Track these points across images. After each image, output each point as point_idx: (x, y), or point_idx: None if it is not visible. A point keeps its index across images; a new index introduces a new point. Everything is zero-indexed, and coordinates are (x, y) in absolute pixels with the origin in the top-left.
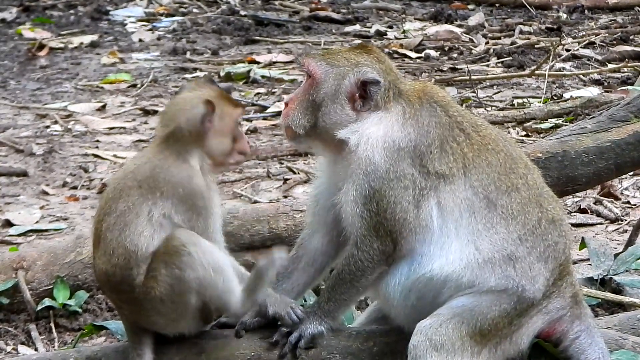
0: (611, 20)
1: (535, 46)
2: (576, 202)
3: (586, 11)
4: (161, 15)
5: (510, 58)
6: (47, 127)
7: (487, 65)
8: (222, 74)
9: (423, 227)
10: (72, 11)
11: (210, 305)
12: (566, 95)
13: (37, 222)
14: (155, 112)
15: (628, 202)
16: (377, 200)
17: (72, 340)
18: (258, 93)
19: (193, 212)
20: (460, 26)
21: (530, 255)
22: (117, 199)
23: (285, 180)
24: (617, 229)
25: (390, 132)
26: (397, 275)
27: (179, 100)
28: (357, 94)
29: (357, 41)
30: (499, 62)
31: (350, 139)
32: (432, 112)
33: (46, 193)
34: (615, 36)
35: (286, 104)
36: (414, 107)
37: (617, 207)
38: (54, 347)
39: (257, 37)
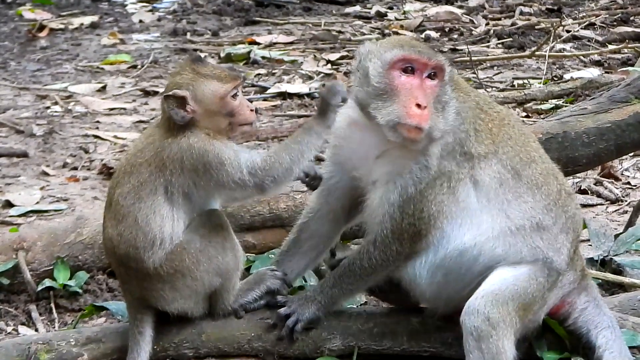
0: (611, 1)
1: (536, 27)
2: (576, 183)
3: None
4: None
5: (511, 39)
6: (48, 108)
7: (488, 46)
8: (222, 55)
9: (461, 210)
10: None
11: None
12: (566, 76)
13: (37, 202)
14: (155, 93)
15: (628, 183)
16: (416, 201)
17: (73, 320)
18: (258, 74)
19: (211, 171)
20: (460, 7)
21: (555, 226)
22: (129, 173)
23: None
24: (618, 209)
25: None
26: (424, 256)
27: (165, 89)
28: None
29: (358, 22)
30: (499, 43)
31: None
32: (460, 94)
33: (46, 174)
34: (615, 17)
35: (422, 106)
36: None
37: (617, 188)
38: (54, 327)
39: (258, 18)
